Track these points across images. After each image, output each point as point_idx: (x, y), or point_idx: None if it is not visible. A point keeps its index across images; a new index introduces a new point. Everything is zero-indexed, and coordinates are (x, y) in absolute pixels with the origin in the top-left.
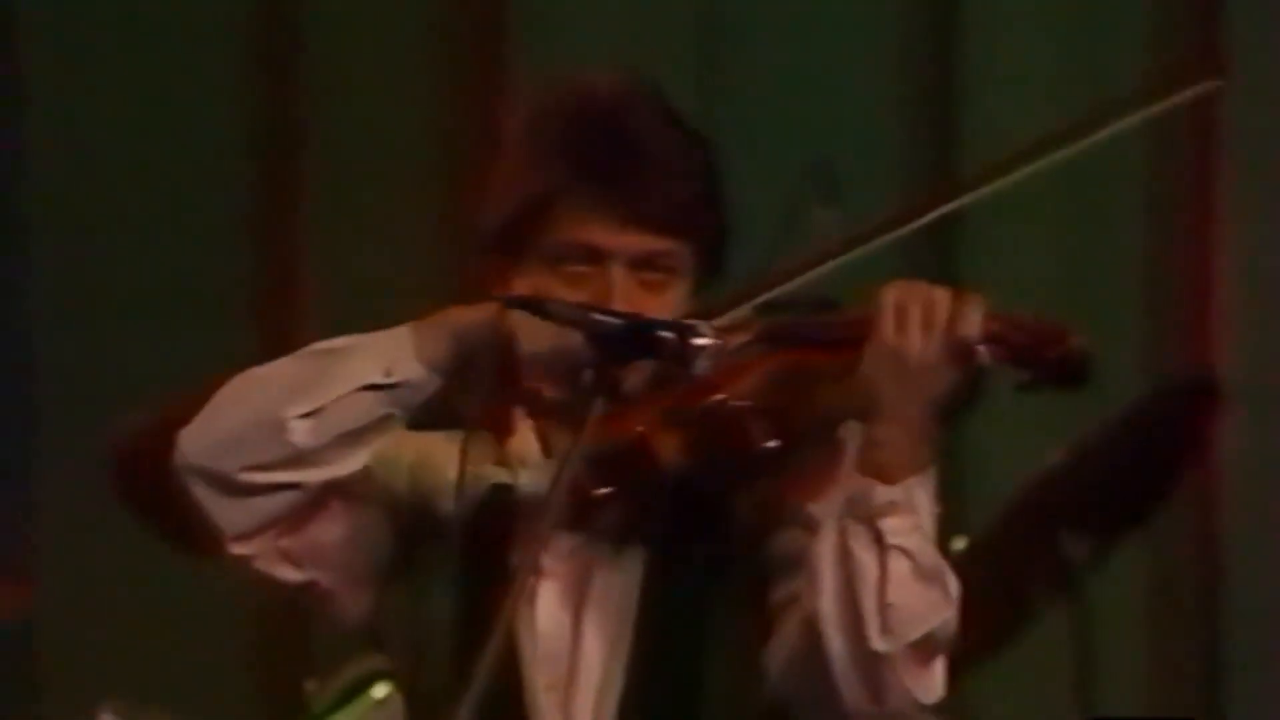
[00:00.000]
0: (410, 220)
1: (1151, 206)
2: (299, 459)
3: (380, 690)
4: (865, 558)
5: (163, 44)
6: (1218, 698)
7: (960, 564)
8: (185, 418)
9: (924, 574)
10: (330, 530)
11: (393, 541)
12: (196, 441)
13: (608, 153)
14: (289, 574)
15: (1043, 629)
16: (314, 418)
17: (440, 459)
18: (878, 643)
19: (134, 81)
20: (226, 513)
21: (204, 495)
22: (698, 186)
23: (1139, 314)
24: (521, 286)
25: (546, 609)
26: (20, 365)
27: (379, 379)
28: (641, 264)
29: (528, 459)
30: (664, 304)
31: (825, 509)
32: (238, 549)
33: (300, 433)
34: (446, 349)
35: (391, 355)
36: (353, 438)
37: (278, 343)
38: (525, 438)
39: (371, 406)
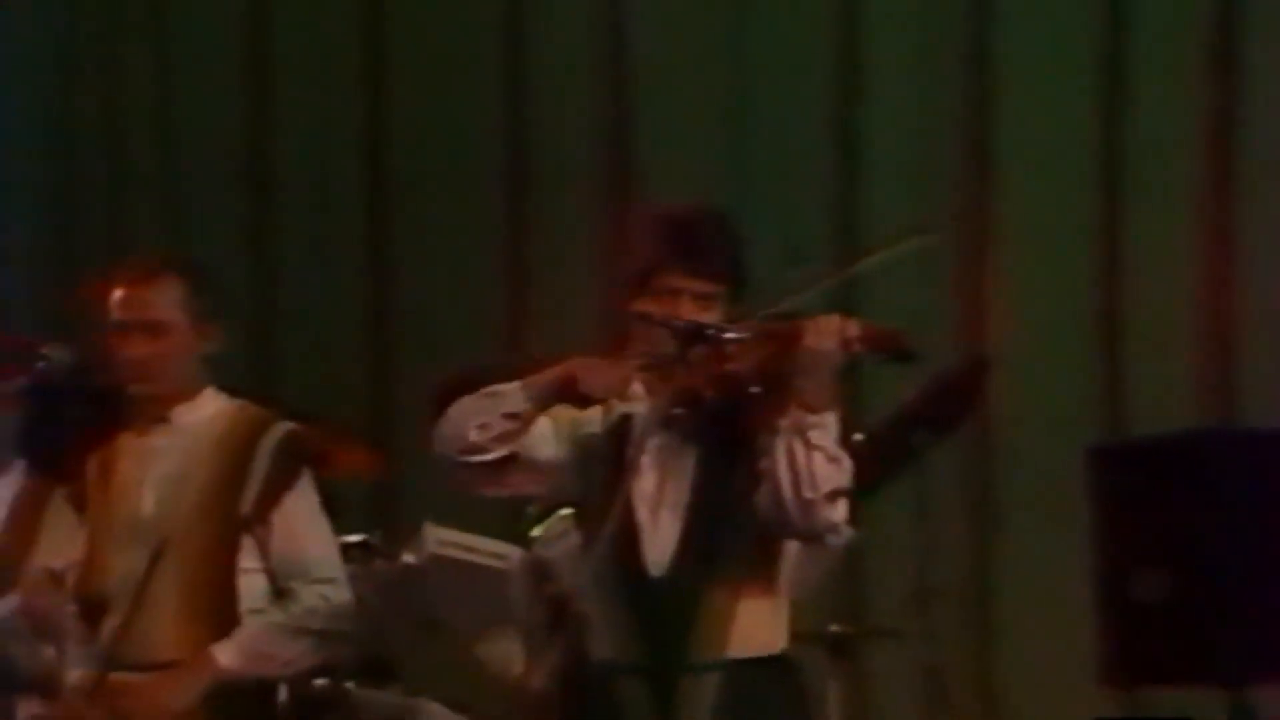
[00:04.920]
0: (592, 272)
1: (957, 253)
2: (475, 449)
3: (565, 510)
4: (800, 451)
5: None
6: (990, 528)
7: (859, 447)
8: (458, 387)
9: (831, 459)
10: (525, 472)
11: (569, 455)
12: (438, 436)
13: (685, 242)
14: (513, 490)
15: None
16: (480, 429)
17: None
18: (807, 493)
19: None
20: (456, 473)
21: (446, 464)
22: (730, 257)
23: (949, 313)
24: (641, 307)
25: (646, 472)
26: (383, 318)
27: (511, 410)
28: (699, 297)
29: (640, 397)
30: (711, 316)
31: (784, 423)
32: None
33: (475, 435)
34: (538, 394)
35: (517, 400)
36: (501, 438)
37: (514, 336)
38: (638, 386)
39: (507, 424)
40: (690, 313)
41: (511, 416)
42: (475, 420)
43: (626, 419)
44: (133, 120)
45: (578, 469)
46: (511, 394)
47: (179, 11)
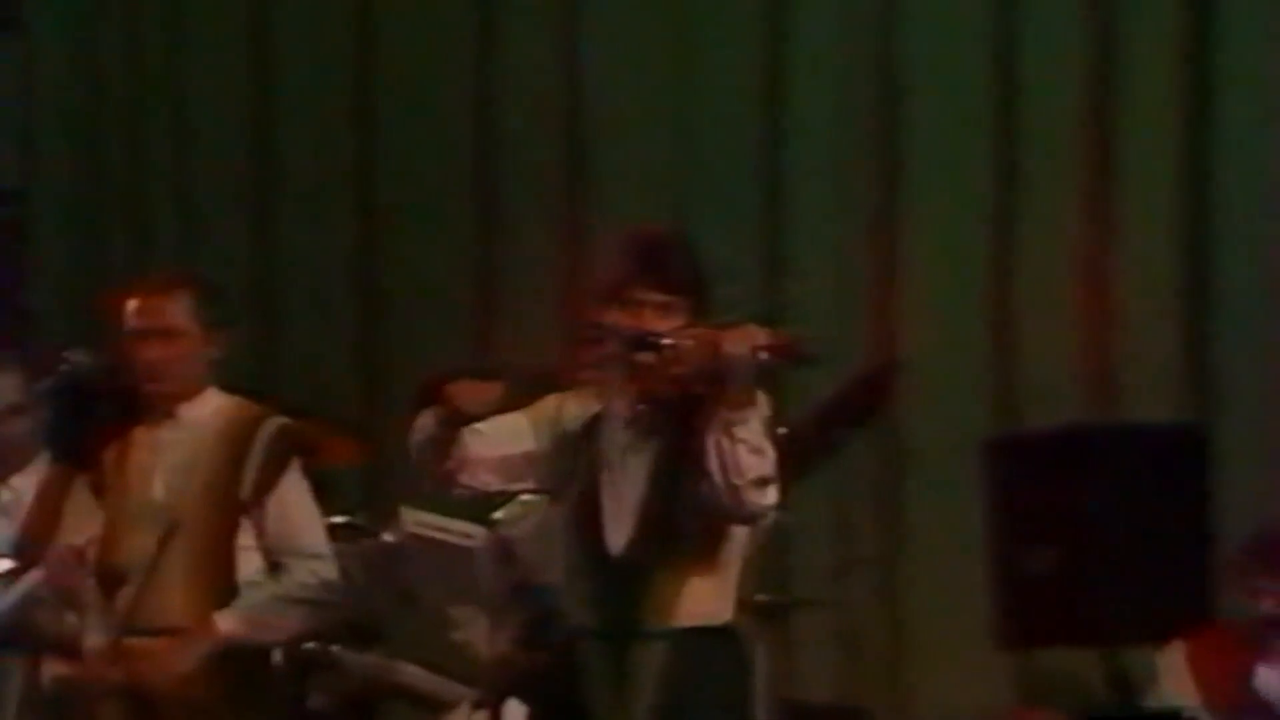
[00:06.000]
0: (552, 278)
1: (869, 270)
2: (425, 465)
3: (527, 496)
4: (726, 444)
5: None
6: (899, 510)
7: (782, 441)
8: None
9: (755, 450)
10: (490, 469)
11: (549, 448)
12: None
13: (650, 259)
14: (481, 486)
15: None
16: (419, 449)
17: (571, 405)
18: (734, 480)
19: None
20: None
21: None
22: (688, 272)
23: (862, 322)
24: (611, 316)
25: (611, 463)
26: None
27: (429, 435)
28: (660, 307)
29: (611, 397)
30: (672, 324)
31: (719, 419)
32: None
33: (420, 454)
34: (442, 418)
35: (431, 425)
36: (436, 454)
37: (486, 335)
38: (610, 389)
39: (432, 446)
40: (652, 321)
41: (430, 440)
42: (418, 438)
43: (599, 416)
44: (152, 143)
45: (555, 459)
46: (429, 418)
47: (194, 40)
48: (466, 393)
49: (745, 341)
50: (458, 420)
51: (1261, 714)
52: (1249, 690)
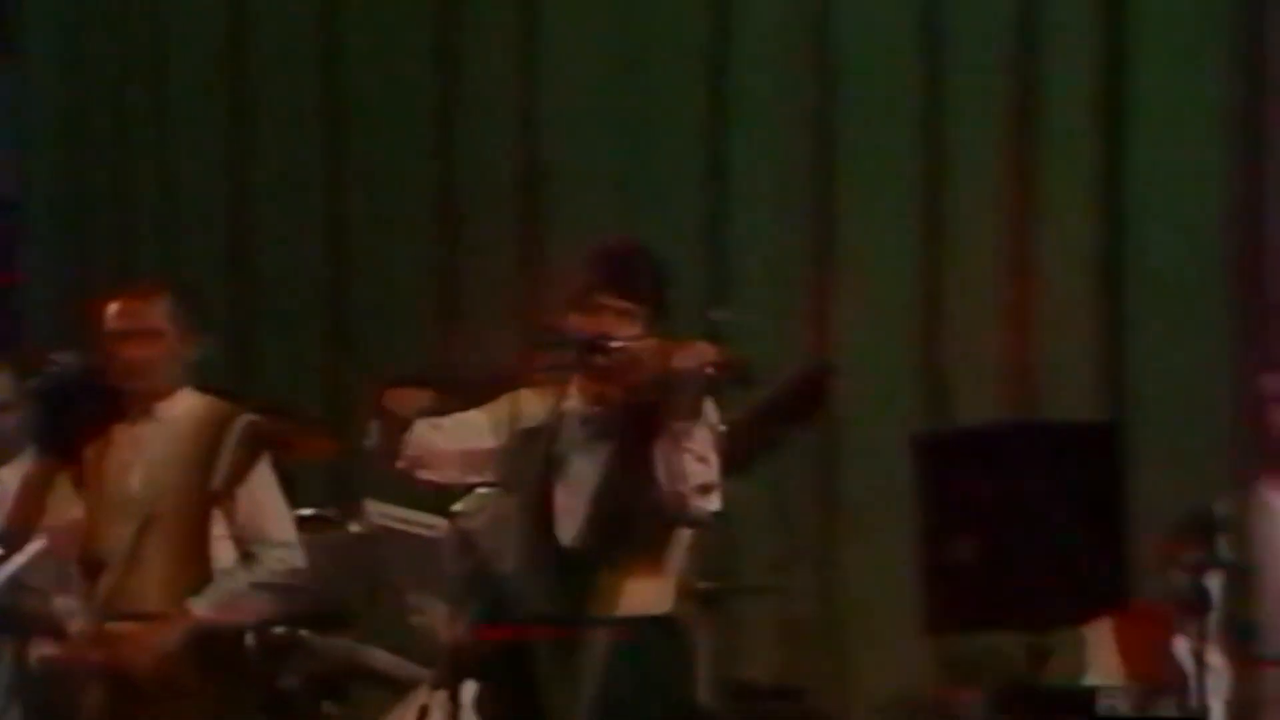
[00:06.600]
0: (509, 283)
1: (808, 280)
2: (382, 464)
3: (483, 489)
4: (674, 452)
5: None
6: (834, 503)
7: (723, 438)
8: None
9: (700, 458)
10: (454, 463)
11: (510, 443)
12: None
13: (614, 267)
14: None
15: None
16: (373, 453)
17: (528, 404)
18: (679, 487)
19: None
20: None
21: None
22: (647, 281)
23: (798, 326)
24: (571, 321)
25: (567, 461)
26: (341, 325)
27: (374, 442)
28: (619, 312)
29: (566, 397)
30: (631, 328)
31: (668, 427)
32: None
33: (378, 459)
34: (383, 426)
35: (375, 433)
36: (386, 457)
37: (446, 340)
38: (572, 389)
39: (380, 451)
40: (611, 326)
41: (375, 445)
42: (367, 444)
43: (556, 414)
44: (137, 159)
45: (513, 454)
46: (375, 425)
47: (176, 63)
48: (399, 399)
49: (695, 358)
50: (395, 425)
51: (1179, 684)
52: (1168, 661)
